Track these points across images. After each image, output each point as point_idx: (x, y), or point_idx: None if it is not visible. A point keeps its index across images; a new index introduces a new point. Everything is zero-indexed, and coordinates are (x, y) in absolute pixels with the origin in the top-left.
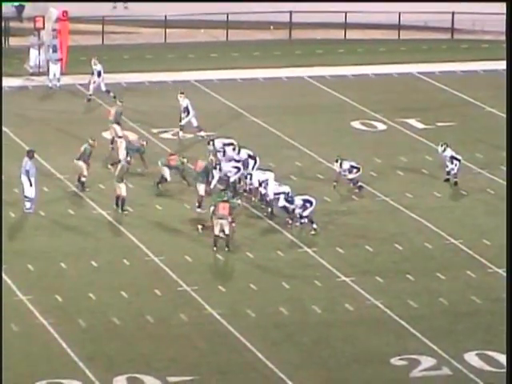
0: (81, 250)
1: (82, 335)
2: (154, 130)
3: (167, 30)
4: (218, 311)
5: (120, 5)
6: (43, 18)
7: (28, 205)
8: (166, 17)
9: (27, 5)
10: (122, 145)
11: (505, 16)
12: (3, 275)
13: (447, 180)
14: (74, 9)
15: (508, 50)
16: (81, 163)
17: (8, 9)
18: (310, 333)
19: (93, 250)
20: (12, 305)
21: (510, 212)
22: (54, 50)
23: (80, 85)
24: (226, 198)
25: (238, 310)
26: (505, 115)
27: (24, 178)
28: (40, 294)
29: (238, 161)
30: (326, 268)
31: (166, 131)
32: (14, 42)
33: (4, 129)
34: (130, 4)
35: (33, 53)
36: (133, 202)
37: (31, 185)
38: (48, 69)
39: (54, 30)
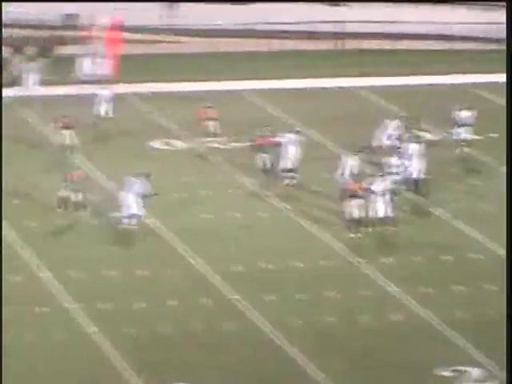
0: (128, 257)
1: (129, 344)
2: (203, 140)
3: (217, 40)
4: (265, 320)
5: (167, 14)
6: (95, 26)
7: (132, 221)
8: (214, 26)
9: (79, 13)
10: None
11: None
12: (51, 282)
13: None
14: (125, 18)
15: (508, 50)
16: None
17: (60, 16)
18: (358, 342)
19: (139, 258)
20: (59, 312)
21: (510, 212)
22: (105, 58)
23: (130, 94)
24: None
25: (285, 319)
26: None
27: (132, 198)
28: (87, 303)
29: None
30: (374, 277)
31: (214, 141)
32: (66, 50)
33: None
34: (178, 11)
35: (84, 61)
36: (179, 209)
37: (137, 203)
38: (97, 77)
39: (104, 38)
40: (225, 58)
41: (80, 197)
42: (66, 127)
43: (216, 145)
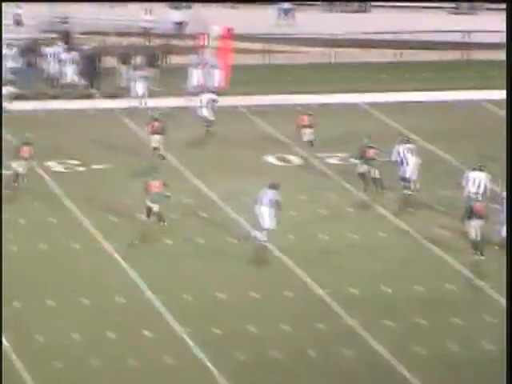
0: (238, 279)
1: (240, 369)
2: (319, 155)
3: (335, 49)
4: (384, 347)
5: (284, 23)
6: (205, 35)
7: (260, 235)
8: (331, 35)
9: (187, 21)
10: None
11: None
12: (160, 304)
13: None
14: (237, 26)
15: (508, 50)
16: None
17: (168, 25)
18: (483, 371)
19: (251, 279)
20: (166, 336)
21: (510, 213)
22: (215, 69)
23: (242, 106)
24: None
25: (406, 345)
26: None
27: (265, 209)
28: (195, 325)
29: None
30: (497, 301)
31: (331, 156)
32: (174, 60)
33: (162, 152)
34: (295, 19)
35: (194, 72)
36: (294, 229)
37: (268, 215)
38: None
39: (215, 48)
40: (342, 68)
41: (156, 208)
42: (156, 132)
43: (333, 160)
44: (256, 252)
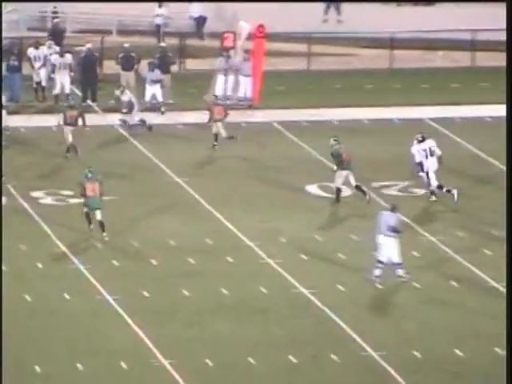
0: (273, 339)
1: None
2: (375, 184)
3: (394, 52)
4: None
5: (332, 18)
6: (232, 34)
7: (377, 272)
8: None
9: (208, 16)
10: None
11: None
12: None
13: None
14: (271, 23)
15: (508, 51)
16: None
17: (186, 21)
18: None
19: (289, 340)
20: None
21: (509, 213)
22: (245, 76)
23: (276, 122)
24: None
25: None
26: None
27: (389, 240)
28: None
29: None
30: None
31: (388, 185)
32: (192, 64)
33: (177, 179)
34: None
35: (219, 79)
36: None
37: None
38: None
39: (244, 50)
40: (403, 75)
41: (98, 215)
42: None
43: (391, 191)
44: (293, 304)
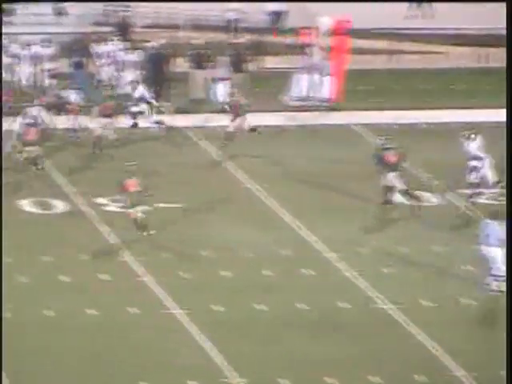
0: (352, 357)
1: None
2: (460, 191)
3: (486, 50)
4: None
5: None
6: (312, 30)
7: (495, 284)
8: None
9: (288, 10)
10: None
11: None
12: None
13: None
14: (354, 18)
15: (508, 51)
16: None
17: (261, 16)
18: None
19: (369, 358)
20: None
21: (510, 214)
22: (325, 75)
23: (358, 125)
24: None
25: None
26: None
27: (495, 250)
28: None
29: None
30: None
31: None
32: (269, 63)
33: (249, 185)
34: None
35: (298, 79)
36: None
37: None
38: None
39: (325, 47)
40: (496, 74)
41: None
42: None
43: (481, 199)
44: (374, 319)
